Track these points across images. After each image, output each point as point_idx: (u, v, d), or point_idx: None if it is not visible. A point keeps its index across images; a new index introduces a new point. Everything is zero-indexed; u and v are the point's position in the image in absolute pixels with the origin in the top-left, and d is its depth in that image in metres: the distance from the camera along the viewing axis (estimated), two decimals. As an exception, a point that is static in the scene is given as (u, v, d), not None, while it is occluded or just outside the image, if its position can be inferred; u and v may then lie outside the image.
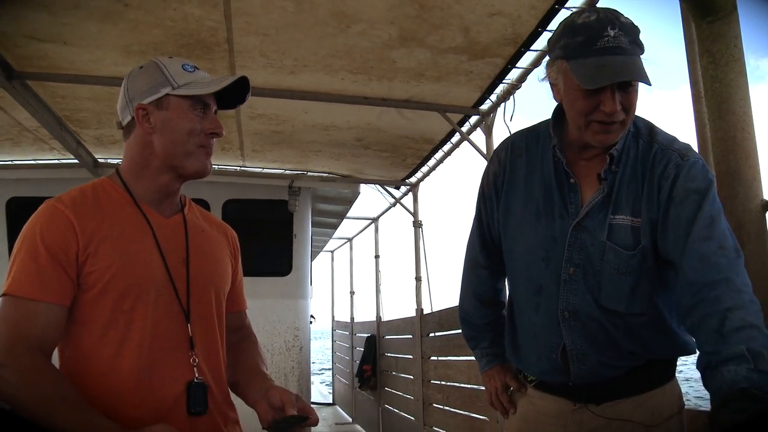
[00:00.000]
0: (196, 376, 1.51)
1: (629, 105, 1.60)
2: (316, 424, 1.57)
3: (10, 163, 5.59)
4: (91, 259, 1.45)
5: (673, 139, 1.71)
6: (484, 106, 4.28)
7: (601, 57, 1.54)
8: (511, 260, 1.87)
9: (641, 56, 1.57)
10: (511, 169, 1.86)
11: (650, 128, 1.74)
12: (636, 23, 1.59)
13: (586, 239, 1.69)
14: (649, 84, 1.54)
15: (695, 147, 2.11)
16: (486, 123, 4.32)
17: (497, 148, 1.97)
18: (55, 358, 1.47)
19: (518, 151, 1.87)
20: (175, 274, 1.55)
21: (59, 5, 2.99)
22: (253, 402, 1.62)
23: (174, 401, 1.47)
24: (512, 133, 1.98)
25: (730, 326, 1.40)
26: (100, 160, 5.45)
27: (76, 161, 5.19)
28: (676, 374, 1.82)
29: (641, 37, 1.59)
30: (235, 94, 1.63)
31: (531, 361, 1.85)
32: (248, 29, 3.22)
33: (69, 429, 1.29)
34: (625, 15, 1.60)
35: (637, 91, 1.60)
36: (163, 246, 1.55)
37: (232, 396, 1.68)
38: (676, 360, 1.80)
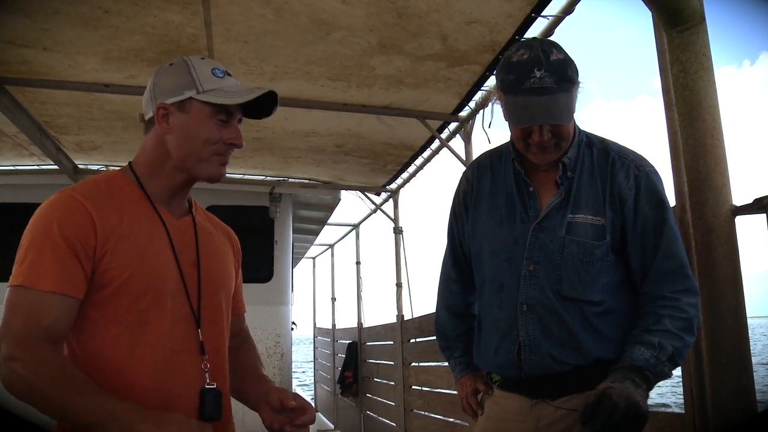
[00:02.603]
0: (208, 381, 1.49)
1: (559, 133, 1.80)
2: (313, 421, 1.57)
3: (-12, 168, 5.54)
4: (109, 256, 1.41)
5: (626, 149, 1.91)
6: (463, 113, 4.33)
7: (526, 97, 1.73)
8: (478, 265, 2.02)
9: (572, 87, 1.75)
10: (477, 186, 2.05)
11: (601, 139, 1.94)
12: (570, 57, 1.77)
13: (545, 238, 1.86)
14: (565, 122, 1.77)
15: (667, 154, 2.18)
16: (465, 129, 4.37)
17: (465, 170, 2.17)
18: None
19: (483, 169, 2.07)
20: (187, 277, 1.52)
21: (39, 11, 2.99)
22: (255, 405, 1.62)
23: (187, 407, 1.44)
24: (481, 153, 2.15)
25: (657, 327, 1.73)
26: (80, 166, 5.41)
27: (56, 167, 5.14)
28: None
29: (572, 69, 1.75)
30: (262, 103, 1.57)
31: (490, 356, 1.95)
32: (228, 36, 3.23)
33: (82, 414, 1.25)
34: (561, 48, 1.77)
35: (568, 122, 1.80)
36: (176, 248, 1.52)
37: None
38: None
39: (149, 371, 1.42)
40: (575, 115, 1.88)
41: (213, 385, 1.49)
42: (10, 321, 1.34)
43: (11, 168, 5.52)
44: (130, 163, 1.59)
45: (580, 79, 1.79)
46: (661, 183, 1.87)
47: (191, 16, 3.03)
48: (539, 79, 1.70)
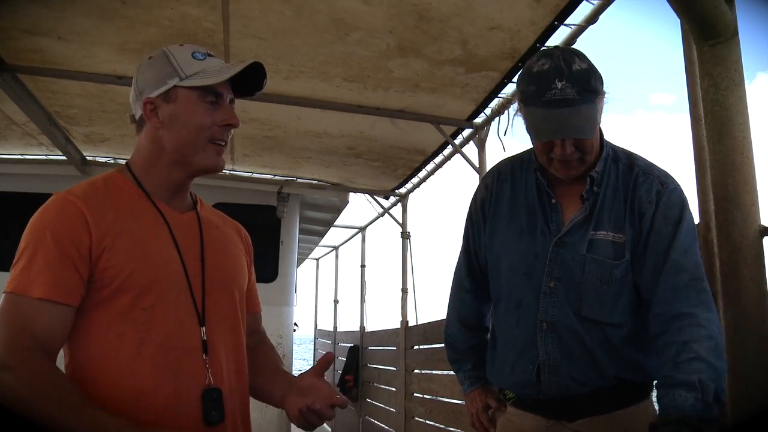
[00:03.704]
0: (211, 382, 1.43)
1: (583, 146, 1.72)
2: (345, 405, 1.54)
3: (-4, 156, 5.50)
4: (106, 254, 1.36)
5: (652, 165, 1.84)
6: (478, 120, 4.27)
7: (547, 110, 1.65)
8: (495, 278, 1.94)
9: (596, 98, 1.68)
10: (497, 194, 1.97)
11: (628, 154, 1.87)
12: (594, 66, 1.70)
13: (567, 254, 1.78)
14: (588, 136, 1.69)
15: (692, 169, 2.12)
16: (479, 136, 4.31)
17: (485, 176, 2.09)
18: (60, 361, 1.37)
19: (504, 176, 1.99)
20: (192, 272, 1.47)
21: (56, -1, 2.95)
22: (279, 399, 1.56)
23: (190, 408, 1.39)
24: (501, 160, 2.09)
25: (684, 357, 1.56)
26: (88, 158, 5.38)
27: (64, 158, 5.11)
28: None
29: (597, 79, 1.69)
30: (251, 80, 1.53)
31: (506, 373, 1.88)
32: (245, 32, 3.19)
33: (72, 429, 1.21)
34: (584, 57, 1.70)
35: (594, 135, 1.72)
36: (180, 243, 1.48)
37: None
38: (649, 383, 1.83)
39: (157, 371, 1.37)
40: (601, 127, 1.83)
41: (215, 385, 1.43)
42: (1, 330, 1.29)
43: (19, 157, 5.47)
44: (126, 162, 1.55)
45: (605, 89, 1.73)
46: (685, 202, 1.79)
47: (209, 10, 2.99)
48: (560, 90, 1.63)
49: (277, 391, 1.58)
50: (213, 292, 1.50)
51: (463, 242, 2.10)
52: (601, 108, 1.73)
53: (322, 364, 1.55)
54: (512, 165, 2.00)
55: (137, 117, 1.53)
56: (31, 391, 1.23)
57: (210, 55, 1.51)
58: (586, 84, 1.65)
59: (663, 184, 1.78)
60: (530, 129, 1.75)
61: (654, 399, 1.82)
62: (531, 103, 1.70)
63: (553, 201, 1.85)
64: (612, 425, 1.76)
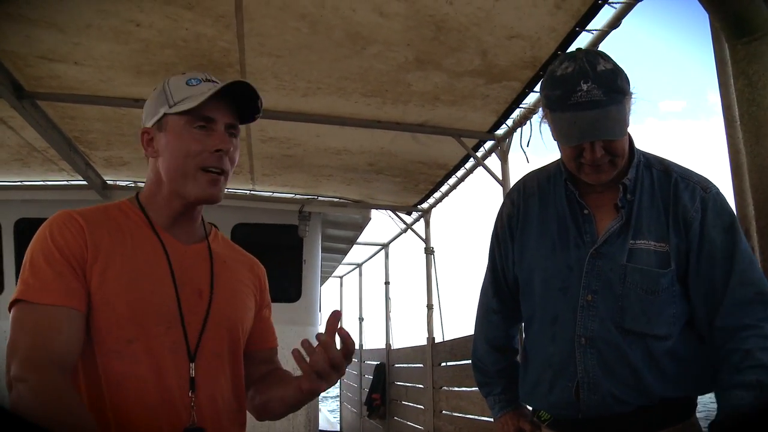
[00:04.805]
0: (195, 420, 1.37)
1: (613, 149, 1.65)
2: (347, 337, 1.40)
3: (19, 183, 5.53)
4: (98, 277, 1.33)
5: (689, 170, 1.76)
6: (500, 131, 4.20)
7: (574, 113, 1.60)
8: (528, 295, 1.86)
9: (624, 99, 1.62)
10: (524, 209, 1.89)
11: (660, 159, 1.79)
12: (619, 66, 1.64)
13: (604, 266, 1.70)
14: (618, 137, 1.62)
15: (728, 173, 2.03)
16: (501, 148, 4.24)
17: (509, 191, 2.01)
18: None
19: (530, 190, 1.91)
20: (189, 307, 1.41)
21: (71, 24, 2.95)
22: (296, 386, 1.46)
23: None
24: (526, 173, 2.02)
25: (748, 363, 1.53)
26: (109, 182, 5.40)
27: (85, 183, 5.13)
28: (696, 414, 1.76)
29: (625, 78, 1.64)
30: (247, 104, 1.48)
31: (542, 393, 1.80)
32: (261, 50, 3.16)
33: None
34: (608, 58, 1.65)
35: (624, 137, 1.66)
36: (178, 276, 1.42)
37: None
38: (693, 401, 1.74)
39: (142, 407, 1.32)
40: (631, 132, 1.75)
41: (196, 425, 1.37)
42: (17, 340, 1.27)
43: (41, 183, 5.51)
44: (137, 192, 1.53)
45: (632, 89, 1.66)
46: (729, 206, 1.72)
47: (224, 29, 2.96)
48: (587, 92, 1.58)
49: (293, 383, 1.50)
50: (211, 328, 1.44)
51: (489, 262, 2.02)
52: (629, 109, 1.66)
53: (330, 326, 1.40)
54: (539, 178, 1.93)
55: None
56: (38, 403, 1.20)
57: (209, 80, 1.47)
58: (613, 84, 1.59)
59: (705, 189, 1.70)
60: (557, 134, 1.69)
61: (698, 417, 1.75)
62: (557, 108, 1.64)
63: (586, 212, 1.77)
64: None
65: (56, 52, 3.22)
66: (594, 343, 1.69)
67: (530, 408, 1.93)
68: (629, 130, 1.69)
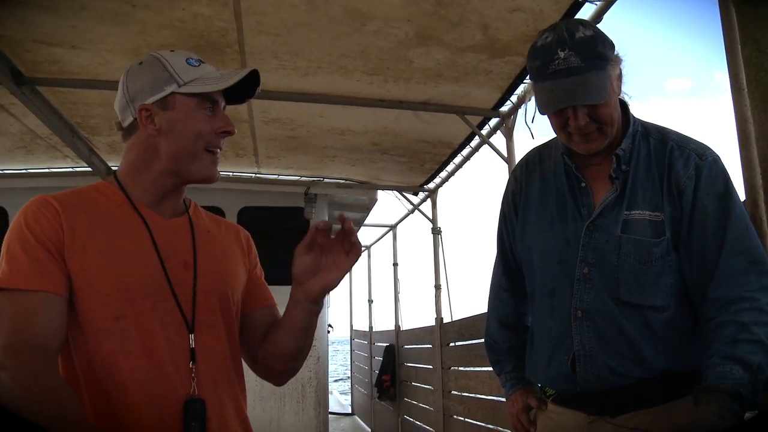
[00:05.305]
0: (195, 392, 1.37)
1: (599, 116, 1.63)
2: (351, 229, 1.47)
3: (24, 171, 5.53)
4: (78, 257, 1.33)
5: (687, 137, 1.71)
6: (504, 108, 4.14)
7: (552, 81, 1.60)
8: (529, 270, 1.85)
9: (607, 65, 1.60)
10: (527, 185, 1.89)
11: (659, 128, 1.75)
12: (602, 33, 1.63)
13: (600, 238, 1.69)
14: (597, 101, 1.59)
15: (735, 143, 1.98)
16: (506, 125, 4.17)
17: (513, 168, 2.01)
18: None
19: (532, 166, 1.91)
20: (176, 279, 1.41)
21: (66, 7, 2.91)
22: (293, 302, 1.49)
23: (170, 420, 1.33)
24: (530, 149, 2.00)
25: (743, 336, 1.46)
26: (114, 168, 5.35)
27: (89, 169, 5.10)
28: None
29: (607, 45, 1.62)
30: (244, 87, 1.50)
31: (543, 368, 1.79)
32: (259, 29, 3.11)
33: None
34: (590, 25, 1.64)
35: (607, 103, 1.62)
36: (162, 249, 1.42)
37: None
38: (696, 372, 1.64)
39: (137, 383, 1.32)
40: (630, 103, 1.74)
41: (198, 396, 1.37)
42: None
43: (46, 170, 5.50)
44: (114, 172, 1.51)
45: (622, 56, 1.65)
46: (727, 174, 1.65)
47: (221, 9, 2.92)
48: (564, 59, 1.58)
49: (291, 306, 1.51)
50: (202, 299, 1.44)
51: (498, 240, 2.01)
52: (615, 75, 1.64)
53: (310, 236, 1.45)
54: (540, 153, 1.91)
55: (125, 124, 1.48)
56: (21, 389, 1.20)
57: (202, 62, 1.49)
58: (591, 50, 1.59)
59: (701, 156, 1.65)
60: (539, 104, 1.68)
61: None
62: (538, 78, 1.65)
63: (583, 185, 1.75)
64: (658, 420, 1.62)
65: (53, 36, 3.18)
66: (590, 316, 1.67)
67: (539, 385, 1.90)
68: (632, 102, 1.68)
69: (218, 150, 1.48)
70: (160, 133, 1.43)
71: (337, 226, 1.47)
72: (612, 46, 1.63)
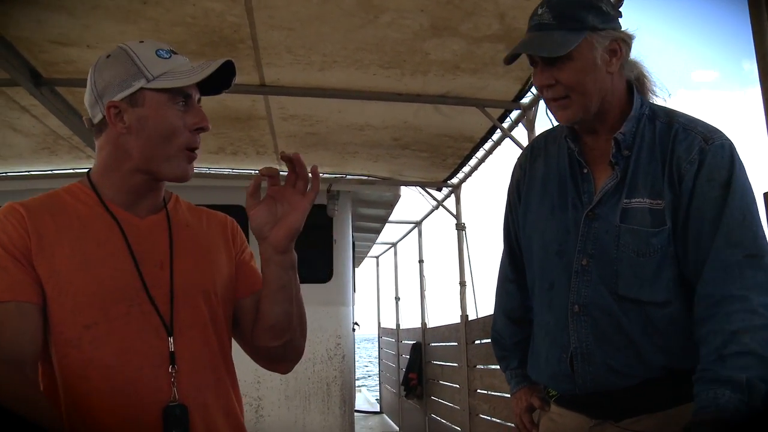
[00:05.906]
0: (176, 397, 1.30)
1: (564, 79, 1.55)
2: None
3: (49, 172, 5.58)
4: (45, 264, 1.28)
5: (696, 120, 1.59)
6: (525, 100, 4.04)
7: (526, 34, 1.59)
8: (529, 261, 1.77)
9: (582, 29, 1.53)
10: (530, 171, 1.80)
11: (668, 111, 1.64)
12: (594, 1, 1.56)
13: (600, 228, 1.59)
14: (551, 54, 1.52)
15: (765, 130, 1.87)
16: (528, 117, 4.07)
17: (519, 155, 1.92)
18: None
19: (537, 152, 1.83)
20: (152, 280, 1.35)
21: (79, 6, 2.90)
22: (265, 256, 1.42)
23: (152, 427, 1.27)
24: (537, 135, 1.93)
25: (732, 350, 1.35)
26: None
27: (112, 169, 5.12)
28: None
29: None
30: (219, 77, 1.41)
31: (541, 365, 1.71)
32: (272, 23, 3.07)
33: None
34: None
35: (572, 65, 1.54)
36: (136, 250, 1.36)
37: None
38: None
39: (112, 391, 1.26)
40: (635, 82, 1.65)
41: (179, 401, 1.30)
42: None
43: (70, 171, 5.53)
44: (87, 172, 1.45)
45: (632, 35, 1.59)
46: (736, 159, 1.50)
47: (232, 4, 2.88)
48: (539, 15, 1.57)
49: (263, 266, 1.44)
50: (181, 299, 1.38)
51: (504, 230, 1.93)
52: (606, 48, 1.55)
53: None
54: (546, 138, 1.82)
55: (95, 121, 1.41)
56: None
57: (174, 53, 1.41)
58: (566, 10, 1.54)
59: (707, 140, 1.51)
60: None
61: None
62: None
63: (585, 170, 1.65)
64: (665, 425, 1.52)
65: (68, 36, 3.18)
66: (587, 311, 1.58)
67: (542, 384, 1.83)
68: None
69: (196, 147, 1.41)
70: (130, 131, 1.36)
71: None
72: (601, 14, 1.54)
